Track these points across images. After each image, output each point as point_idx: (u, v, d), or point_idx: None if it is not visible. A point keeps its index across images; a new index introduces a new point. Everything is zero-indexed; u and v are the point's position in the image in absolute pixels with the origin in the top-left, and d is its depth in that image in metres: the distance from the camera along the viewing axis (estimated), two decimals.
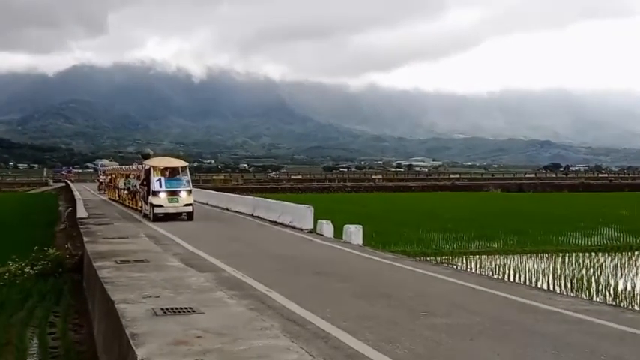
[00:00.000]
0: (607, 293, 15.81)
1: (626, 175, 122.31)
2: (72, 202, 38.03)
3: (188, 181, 26.05)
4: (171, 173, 26.00)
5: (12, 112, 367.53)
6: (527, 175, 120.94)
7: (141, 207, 28.33)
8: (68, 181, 72.55)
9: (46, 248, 18.13)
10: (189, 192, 25.84)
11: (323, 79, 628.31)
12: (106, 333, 9.16)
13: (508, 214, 37.25)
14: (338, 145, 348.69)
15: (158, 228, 22.53)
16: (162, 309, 8.25)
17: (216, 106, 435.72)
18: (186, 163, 27.56)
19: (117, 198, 38.19)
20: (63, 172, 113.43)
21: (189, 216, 25.47)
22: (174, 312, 8.15)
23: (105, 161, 74.84)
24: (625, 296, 15.46)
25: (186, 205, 25.35)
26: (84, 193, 46.88)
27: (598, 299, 14.91)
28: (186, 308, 8.35)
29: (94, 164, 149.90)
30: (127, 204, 33.10)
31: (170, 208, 25.01)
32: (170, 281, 10.32)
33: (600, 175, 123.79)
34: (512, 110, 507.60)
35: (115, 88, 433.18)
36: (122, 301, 8.64)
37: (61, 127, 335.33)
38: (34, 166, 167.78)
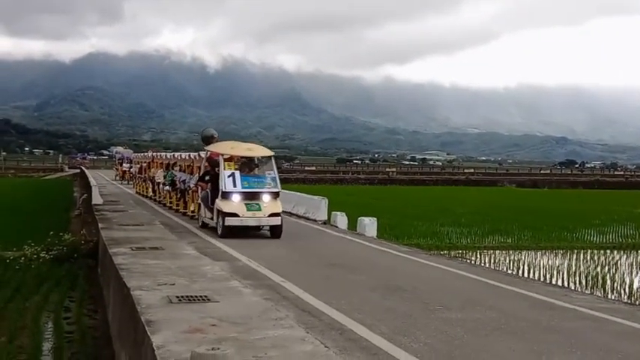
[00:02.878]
0: (622, 291, 15.71)
1: None
2: (87, 188, 38.22)
3: (274, 179, 17.61)
4: (248, 166, 17.87)
5: (28, 98, 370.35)
6: (542, 171, 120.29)
7: (193, 211, 21.22)
8: (83, 168, 72.93)
9: (61, 234, 18.24)
10: (277, 195, 17.47)
11: (338, 71, 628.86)
12: (121, 319, 9.20)
13: (522, 209, 37.07)
14: (352, 137, 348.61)
15: (177, 219, 22.50)
16: (177, 297, 8.28)
17: (230, 96, 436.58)
18: (272, 152, 18.79)
19: (148, 193, 31.10)
20: (78, 159, 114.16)
21: (275, 232, 17.20)
22: (190, 300, 8.16)
23: (120, 148, 75.01)
24: None
25: (272, 214, 16.97)
26: (100, 180, 46.92)
27: (613, 297, 14.81)
28: (201, 296, 8.36)
29: (109, 151, 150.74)
30: (168, 204, 25.73)
31: (249, 219, 16.83)
32: (185, 269, 10.35)
33: (616, 173, 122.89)
34: (528, 105, 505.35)
35: (130, 76, 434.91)
36: (137, 288, 8.67)
37: (76, 113, 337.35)
38: (49, 152, 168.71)
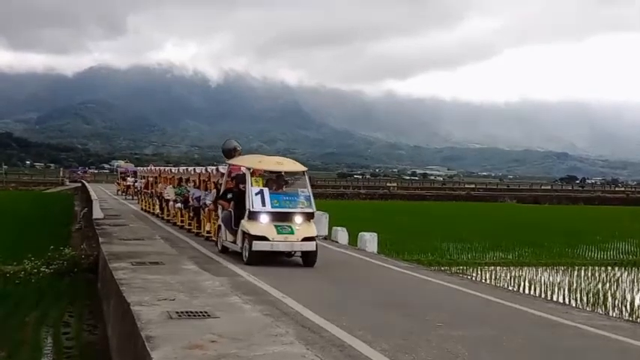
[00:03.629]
0: (623, 308, 15.65)
1: None
2: (88, 202, 38.17)
3: (308, 198, 15.37)
4: (276, 182, 15.67)
5: (30, 112, 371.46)
6: (543, 187, 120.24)
7: (209, 232, 19.27)
8: (84, 181, 72.84)
9: (61, 248, 18.20)
10: (311, 217, 15.27)
11: (339, 85, 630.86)
12: (121, 335, 9.17)
13: (523, 225, 37.03)
14: (353, 151, 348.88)
15: (178, 233, 22.43)
16: (177, 312, 8.25)
17: (232, 110, 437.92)
18: (304, 167, 16.47)
19: (154, 210, 28.86)
20: (79, 172, 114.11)
21: (309, 259, 15.01)
22: (190, 316, 8.14)
23: (121, 162, 75.15)
24: None
25: (306, 238, 14.80)
26: (101, 194, 46.72)
27: (614, 314, 14.75)
28: (201, 312, 8.34)
29: (110, 165, 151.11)
30: (178, 223, 23.49)
31: (280, 243, 14.65)
32: (185, 284, 10.33)
33: (617, 189, 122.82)
34: (529, 121, 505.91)
35: (132, 89, 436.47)
36: (137, 304, 8.64)
37: (78, 127, 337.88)
38: (50, 166, 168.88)
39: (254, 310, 8.98)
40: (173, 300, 9.08)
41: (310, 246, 14.82)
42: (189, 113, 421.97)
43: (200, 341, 6.90)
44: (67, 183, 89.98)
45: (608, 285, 18.58)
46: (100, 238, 17.00)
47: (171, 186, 25.56)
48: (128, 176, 47.34)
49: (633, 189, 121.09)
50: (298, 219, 14.89)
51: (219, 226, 16.92)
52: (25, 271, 16.42)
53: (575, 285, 18.27)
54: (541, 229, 33.95)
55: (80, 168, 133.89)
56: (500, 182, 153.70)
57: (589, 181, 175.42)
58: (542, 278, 19.29)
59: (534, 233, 31.57)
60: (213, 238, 18.03)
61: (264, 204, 14.79)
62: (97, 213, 25.52)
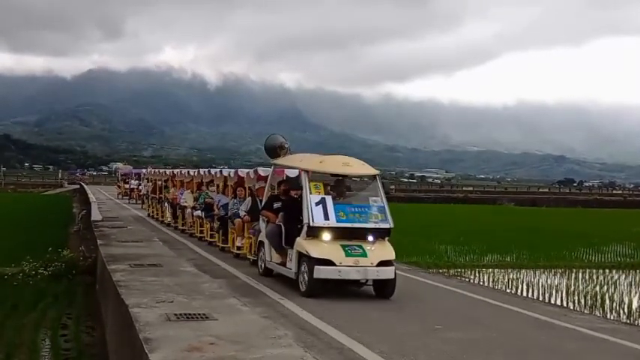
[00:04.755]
0: (621, 311, 15.64)
1: None
2: (86, 204, 38.14)
3: (383, 209, 11.84)
4: (336, 189, 12.16)
5: (29, 114, 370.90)
6: (540, 190, 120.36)
7: (239, 248, 15.75)
8: (82, 184, 72.77)
9: (60, 250, 18.21)
10: (387, 234, 11.84)
11: (338, 88, 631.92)
12: (119, 337, 9.17)
13: (521, 228, 36.99)
14: (351, 154, 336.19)
15: (176, 235, 22.38)
16: (175, 314, 8.27)
17: (231, 112, 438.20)
18: (376, 171, 12.96)
19: (164, 218, 25.56)
20: (77, 174, 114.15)
21: (386, 289, 11.61)
22: (188, 318, 8.15)
23: (119, 164, 74.99)
24: None
25: (382, 263, 11.33)
26: (99, 196, 46.72)
27: (612, 317, 14.75)
28: (199, 314, 8.35)
29: (109, 167, 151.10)
30: (197, 234, 20.06)
31: (350, 269, 11.03)
32: (184, 286, 10.34)
33: (614, 192, 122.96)
34: (527, 124, 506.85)
35: (131, 92, 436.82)
36: (136, 306, 8.65)
37: (76, 129, 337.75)
38: (49, 168, 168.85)
39: (252, 312, 8.99)
40: (172, 302, 9.09)
41: (388, 272, 11.40)
42: (188, 116, 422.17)
43: (199, 343, 6.91)
44: (66, 185, 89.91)
45: (606, 287, 18.57)
46: (98, 240, 17.01)
47: (188, 191, 22.35)
48: (131, 179, 44.95)
49: (631, 192, 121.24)
50: (371, 237, 11.51)
51: (261, 243, 13.37)
52: (23, 273, 16.43)
53: (573, 287, 18.24)
54: (539, 232, 33.93)
55: (78, 170, 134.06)
56: (498, 185, 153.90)
57: (586, 184, 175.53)
58: (540, 281, 19.26)
59: (532, 236, 31.56)
60: (249, 256, 14.81)
61: (327, 217, 11.29)
62: (96, 215, 25.52)
